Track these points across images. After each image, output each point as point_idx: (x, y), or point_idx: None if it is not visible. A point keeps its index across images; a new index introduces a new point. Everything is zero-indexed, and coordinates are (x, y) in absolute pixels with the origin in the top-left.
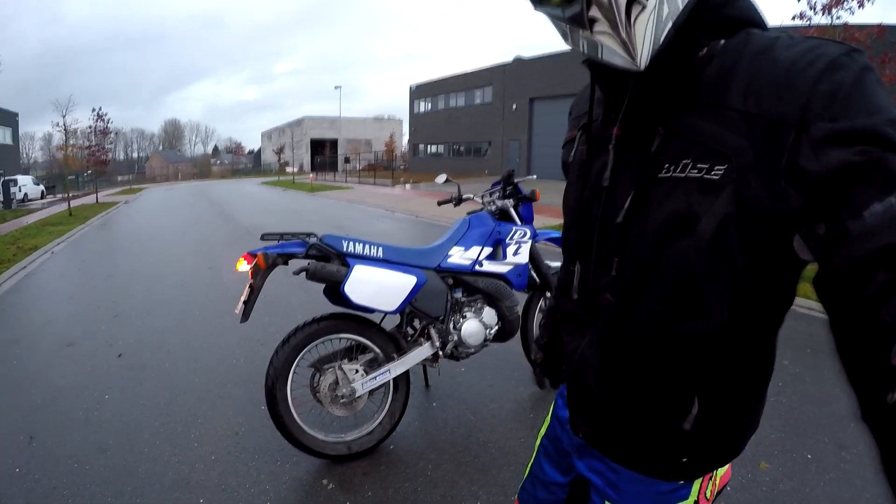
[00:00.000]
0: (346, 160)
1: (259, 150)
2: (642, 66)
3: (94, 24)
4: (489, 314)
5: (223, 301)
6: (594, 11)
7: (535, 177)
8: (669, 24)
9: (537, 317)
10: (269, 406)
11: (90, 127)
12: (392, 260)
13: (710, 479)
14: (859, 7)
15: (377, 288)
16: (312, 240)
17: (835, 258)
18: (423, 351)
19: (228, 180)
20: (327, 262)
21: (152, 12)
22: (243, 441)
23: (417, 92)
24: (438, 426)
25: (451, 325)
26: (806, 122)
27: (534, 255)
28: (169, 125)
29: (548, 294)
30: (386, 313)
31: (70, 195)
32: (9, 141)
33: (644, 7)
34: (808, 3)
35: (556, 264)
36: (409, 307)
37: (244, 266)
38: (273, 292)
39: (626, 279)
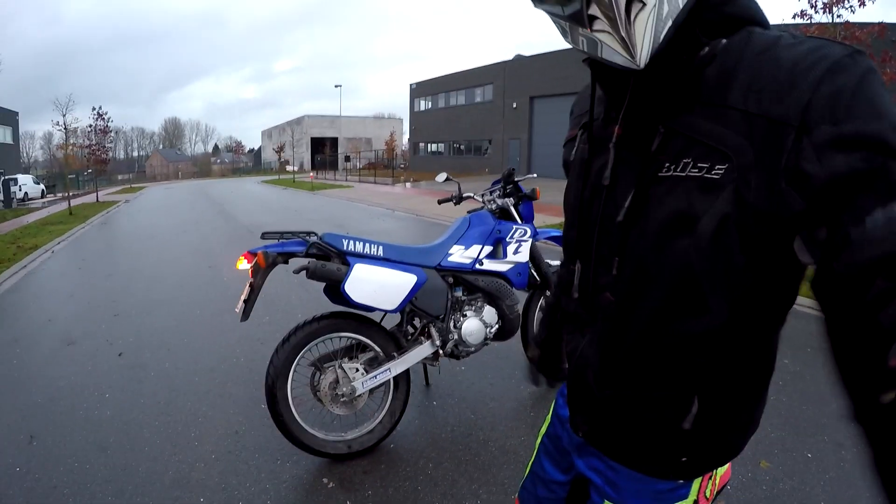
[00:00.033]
0: (347, 159)
1: (259, 149)
2: (642, 65)
3: (94, 23)
4: (489, 313)
5: (223, 300)
6: (594, 9)
7: (535, 175)
8: (669, 23)
9: (537, 315)
10: (270, 405)
11: (90, 126)
12: (392, 259)
13: (710, 478)
14: (860, 5)
15: (377, 287)
16: (313, 238)
17: (835, 263)
18: (424, 350)
19: (229, 179)
20: (327, 260)
21: (152, 11)
22: (243, 440)
23: (418, 90)
24: (439, 425)
25: (452, 324)
26: (807, 124)
27: (534, 254)
28: (169, 124)
29: (548, 292)
30: (386, 312)
31: (70, 194)
32: (9, 140)
33: (644, 5)
34: (808, 2)
35: (557, 263)
36: (410, 306)
37: (244, 265)
38: (273, 291)
39: (626, 278)
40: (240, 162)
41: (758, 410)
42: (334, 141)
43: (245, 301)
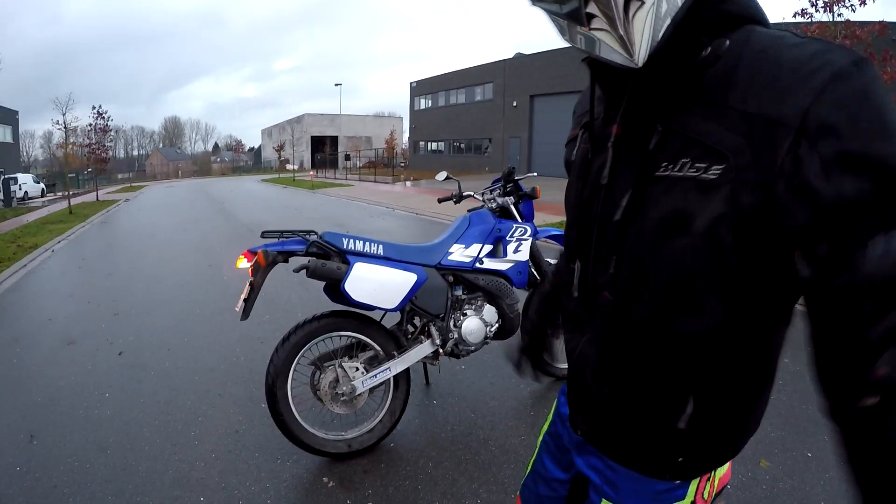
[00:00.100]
0: (347, 157)
1: (259, 148)
2: (640, 63)
3: (94, 23)
4: (490, 312)
5: (223, 299)
6: (592, 7)
7: (535, 174)
8: (668, 21)
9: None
10: (270, 404)
11: (90, 125)
12: (392, 257)
13: (708, 479)
14: (861, 4)
15: (377, 285)
16: (313, 237)
17: (832, 282)
18: (424, 349)
19: (229, 178)
20: (327, 259)
21: (152, 11)
22: (243, 439)
23: (418, 89)
24: (439, 424)
25: (452, 323)
26: (807, 129)
27: (534, 253)
28: (169, 123)
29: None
30: (386, 311)
31: (70, 193)
32: (9, 139)
33: (643, 3)
34: (809, 0)
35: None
36: (410, 305)
37: (244, 264)
38: (273, 290)
39: (623, 277)
40: (240, 161)
41: (756, 412)
42: (334, 139)
43: (245, 300)
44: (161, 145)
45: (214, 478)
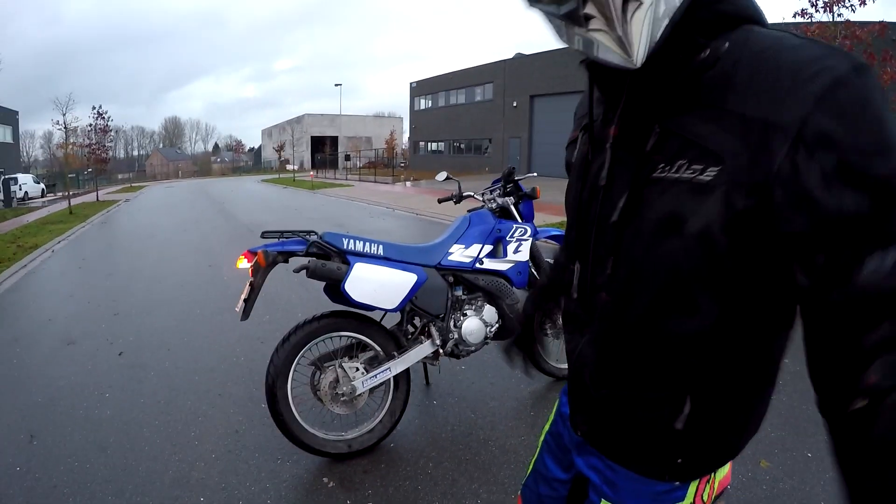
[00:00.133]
0: (347, 157)
1: (259, 148)
2: (638, 64)
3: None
4: (490, 312)
5: (223, 299)
6: (590, 8)
7: (535, 174)
8: (666, 22)
9: (537, 315)
10: (270, 404)
11: (90, 125)
12: (392, 258)
13: (708, 482)
14: (861, 4)
15: (377, 286)
16: (313, 237)
17: (828, 293)
18: (424, 349)
19: (229, 178)
20: (328, 259)
21: (152, 11)
22: (244, 439)
23: (418, 89)
24: (439, 424)
25: (452, 323)
26: (804, 137)
27: (534, 253)
28: (169, 123)
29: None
30: (386, 311)
31: (70, 193)
32: (9, 139)
33: (641, 3)
34: (809, 0)
35: None
36: (410, 305)
37: (244, 264)
38: (273, 290)
39: (620, 278)
40: (240, 161)
41: (756, 413)
42: (334, 140)
43: (245, 300)
44: (161, 145)
45: (214, 478)
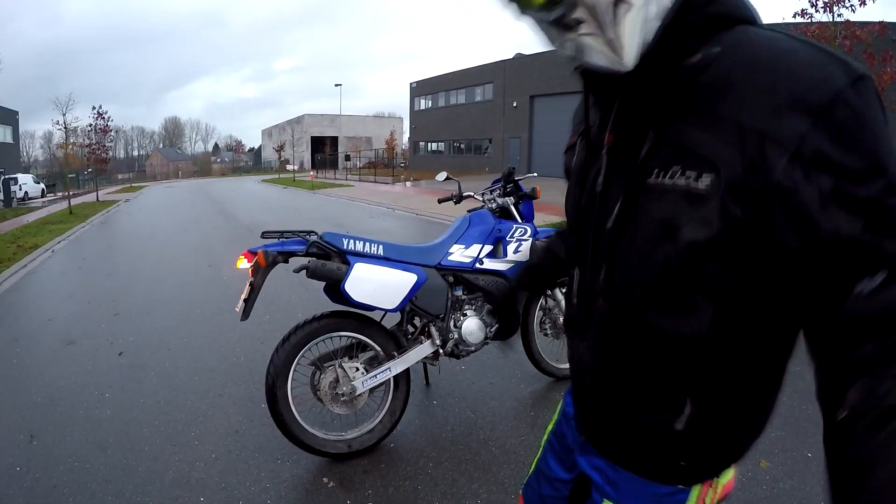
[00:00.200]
0: (347, 158)
1: (259, 148)
2: (630, 66)
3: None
4: (489, 312)
5: (223, 299)
6: (579, 12)
7: (535, 174)
8: (657, 24)
9: (538, 315)
10: (270, 404)
11: (90, 125)
12: (392, 258)
13: (711, 486)
14: (861, 4)
15: (377, 286)
16: (313, 238)
17: (818, 312)
18: (424, 349)
19: (229, 178)
20: (328, 259)
21: (152, 11)
22: (244, 439)
23: (418, 89)
24: (439, 424)
25: (452, 323)
26: (802, 154)
27: None
28: (169, 123)
29: (549, 291)
30: (386, 311)
31: (70, 193)
32: (9, 139)
33: (631, 6)
34: (809, 1)
35: None
36: (410, 305)
37: (244, 264)
38: (273, 290)
39: (616, 284)
40: (240, 161)
41: (760, 417)
42: (334, 140)
43: (245, 300)
44: (161, 146)
45: (214, 478)
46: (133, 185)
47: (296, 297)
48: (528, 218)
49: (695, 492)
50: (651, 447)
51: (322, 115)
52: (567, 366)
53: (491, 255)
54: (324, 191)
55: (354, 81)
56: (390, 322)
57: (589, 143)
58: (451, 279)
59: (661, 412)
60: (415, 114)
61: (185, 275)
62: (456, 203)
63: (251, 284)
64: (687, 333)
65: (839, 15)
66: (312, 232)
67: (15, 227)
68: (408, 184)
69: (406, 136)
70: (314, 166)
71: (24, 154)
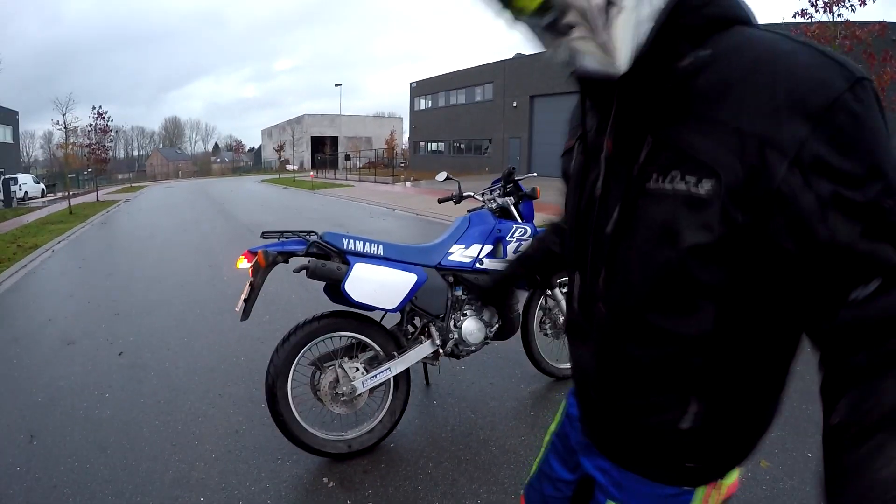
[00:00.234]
0: (347, 158)
1: (259, 148)
2: (623, 68)
3: (95, 23)
4: (489, 312)
5: (223, 299)
6: (571, 16)
7: (535, 174)
8: (650, 25)
9: (538, 315)
10: (270, 404)
11: (90, 125)
12: (392, 258)
13: (715, 487)
14: (861, 4)
15: (377, 286)
16: (313, 238)
17: (815, 318)
18: (424, 349)
19: (229, 178)
20: (327, 259)
21: (152, 11)
22: (244, 439)
23: (418, 89)
24: (439, 424)
25: (452, 323)
26: (802, 160)
27: None
28: (169, 123)
29: (548, 291)
30: (386, 311)
31: (70, 193)
32: (9, 139)
33: (623, 8)
34: (809, 1)
35: None
36: (410, 305)
37: (244, 264)
38: (273, 290)
39: (615, 289)
40: (240, 161)
41: (764, 415)
42: (334, 140)
43: (245, 300)
44: (161, 146)
45: (214, 478)
46: (133, 185)
47: (296, 297)
48: (528, 218)
49: (699, 493)
50: (656, 448)
51: (322, 115)
52: (567, 366)
53: (491, 255)
54: (324, 191)
55: (354, 81)
56: (390, 322)
57: (586, 148)
58: (451, 279)
59: (666, 413)
60: (415, 114)
61: (185, 275)
62: (456, 203)
63: (251, 284)
64: (690, 333)
65: (839, 15)
66: (312, 232)
67: (15, 227)
68: (408, 184)
69: (406, 136)
70: (314, 166)
71: (24, 154)
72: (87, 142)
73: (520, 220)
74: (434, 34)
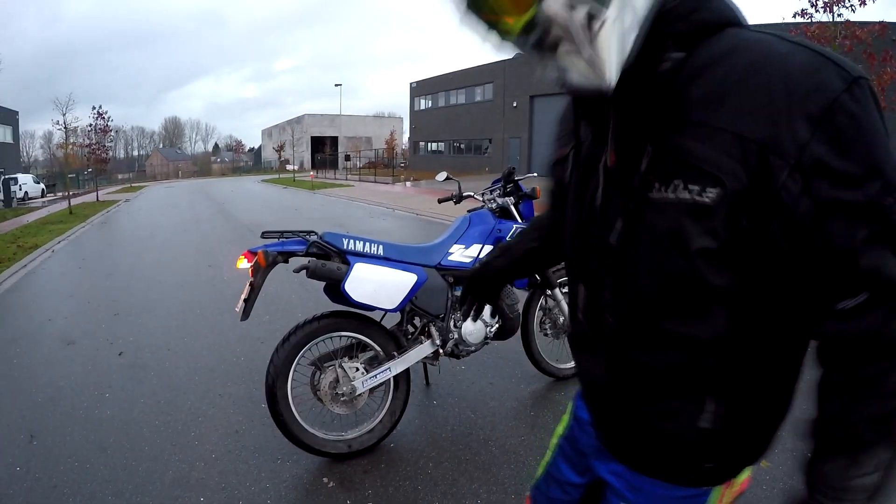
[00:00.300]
0: (347, 158)
1: (259, 148)
2: (612, 84)
3: (95, 23)
4: (489, 312)
5: (223, 299)
6: (556, 33)
7: (535, 174)
8: (634, 34)
9: (538, 315)
10: (270, 404)
11: (90, 125)
12: (392, 258)
13: (729, 486)
14: (861, 4)
15: (377, 286)
16: (313, 238)
17: (818, 324)
18: (424, 349)
19: (229, 178)
20: (327, 259)
21: (152, 11)
22: (244, 439)
23: (418, 89)
24: (439, 424)
25: (452, 323)
26: (803, 164)
27: None
28: (169, 123)
29: (548, 291)
30: (386, 311)
31: (70, 193)
32: (9, 139)
33: (605, 20)
34: (809, 1)
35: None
36: (410, 305)
37: (244, 264)
38: (273, 290)
39: (624, 299)
40: (240, 161)
41: (779, 411)
42: (334, 140)
43: (245, 300)
44: (161, 146)
45: (214, 478)
46: (133, 185)
47: (296, 297)
48: (528, 218)
49: (716, 492)
50: (674, 451)
51: (322, 115)
52: (567, 366)
53: None
54: (324, 191)
55: (354, 81)
56: (390, 322)
57: (584, 160)
58: (451, 279)
59: (682, 416)
60: (415, 114)
61: (185, 275)
62: (456, 203)
63: (251, 284)
64: (704, 336)
65: (839, 15)
66: (312, 232)
67: (15, 227)
68: (408, 184)
69: (406, 136)
70: (314, 166)
71: (24, 154)
72: (87, 142)
73: (520, 220)
74: (434, 34)
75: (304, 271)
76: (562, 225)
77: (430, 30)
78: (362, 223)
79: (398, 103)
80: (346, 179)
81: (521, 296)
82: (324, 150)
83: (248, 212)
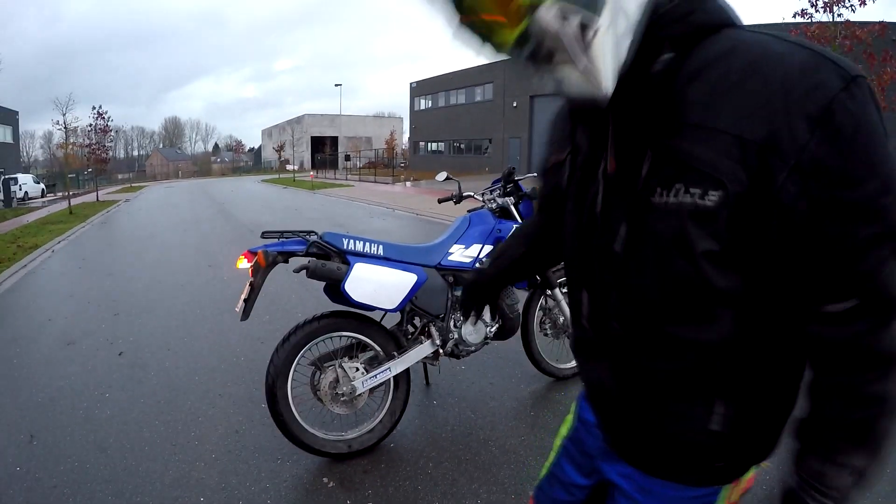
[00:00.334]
0: (347, 158)
1: (259, 148)
2: (609, 93)
3: (95, 23)
4: (489, 312)
5: (223, 299)
6: (549, 44)
7: (535, 174)
8: (628, 41)
9: (538, 315)
10: (270, 404)
11: (90, 125)
12: (392, 258)
13: (736, 485)
14: (861, 4)
15: (377, 286)
16: (313, 238)
17: (805, 325)
18: (424, 349)
19: (229, 178)
20: (327, 259)
21: (152, 11)
22: (244, 439)
23: (418, 89)
24: (439, 424)
25: (452, 323)
26: (802, 165)
27: None
28: (169, 123)
29: (548, 291)
30: (386, 311)
31: (70, 193)
32: (9, 139)
33: (598, 29)
34: (809, 1)
35: None
36: (410, 305)
37: (244, 264)
38: (273, 290)
39: (629, 305)
40: (240, 161)
41: (786, 407)
42: (334, 140)
43: (245, 300)
44: (161, 146)
45: (214, 478)
46: (133, 185)
47: (296, 297)
48: (528, 218)
49: (725, 491)
50: (685, 453)
51: (322, 115)
52: (567, 366)
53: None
54: (324, 191)
55: (354, 81)
56: (390, 322)
57: (583, 165)
58: (451, 279)
59: (691, 418)
60: (415, 114)
61: (185, 275)
62: (456, 203)
63: (251, 284)
64: (711, 339)
65: (839, 15)
66: (312, 232)
67: (15, 227)
68: (408, 184)
69: (406, 136)
70: (314, 166)
71: (24, 154)
72: (87, 142)
73: (520, 220)
74: (434, 34)
75: (304, 271)
76: (552, 229)
77: (430, 30)
78: (362, 223)
79: (398, 103)
80: (346, 179)
81: (521, 296)
82: (324, 150)
83: (248, 212)
